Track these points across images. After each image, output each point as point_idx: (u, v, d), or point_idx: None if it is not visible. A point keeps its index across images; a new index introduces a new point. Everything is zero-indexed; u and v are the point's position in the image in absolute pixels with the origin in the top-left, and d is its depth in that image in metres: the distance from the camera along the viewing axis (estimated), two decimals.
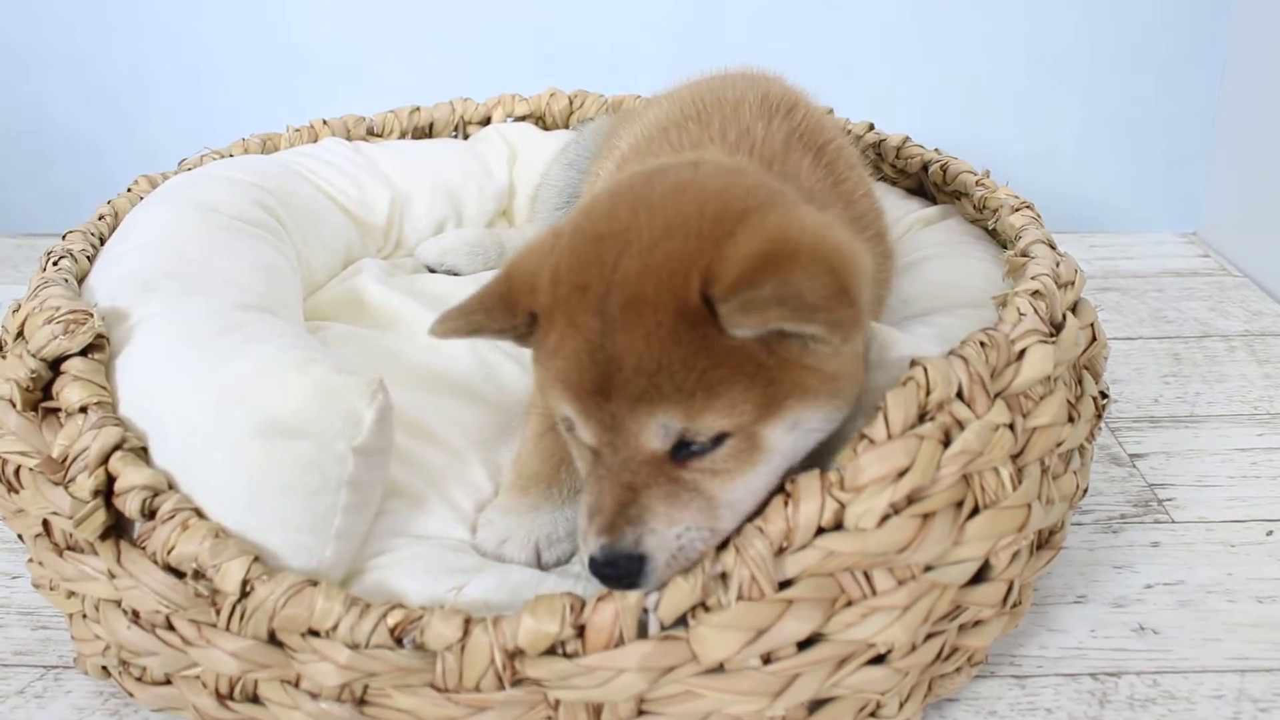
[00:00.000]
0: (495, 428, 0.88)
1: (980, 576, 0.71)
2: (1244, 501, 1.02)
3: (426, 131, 1.34)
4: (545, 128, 1.38)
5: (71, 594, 0.75)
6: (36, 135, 1.76)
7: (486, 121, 1.38)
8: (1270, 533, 0.97)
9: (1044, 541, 0.80)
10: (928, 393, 0.67)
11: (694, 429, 0.64)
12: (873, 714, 0.72)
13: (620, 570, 0.64)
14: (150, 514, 0.68)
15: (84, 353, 0.74)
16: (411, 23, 1.63)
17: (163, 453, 0.71)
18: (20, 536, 0.80)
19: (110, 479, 0.70)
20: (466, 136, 1.38)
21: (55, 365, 0.75)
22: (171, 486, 0.70)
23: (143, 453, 0.71)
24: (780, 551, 0.64)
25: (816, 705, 0.69)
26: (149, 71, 1.71)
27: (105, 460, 0.70)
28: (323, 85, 1.67)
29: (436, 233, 1.24)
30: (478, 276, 1.18)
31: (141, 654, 0.71)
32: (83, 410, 0.72)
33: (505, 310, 0.70)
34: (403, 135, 1.31)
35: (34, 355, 0.73)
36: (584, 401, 0.66)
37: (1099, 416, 0.83)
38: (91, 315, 0.75)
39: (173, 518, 0.68)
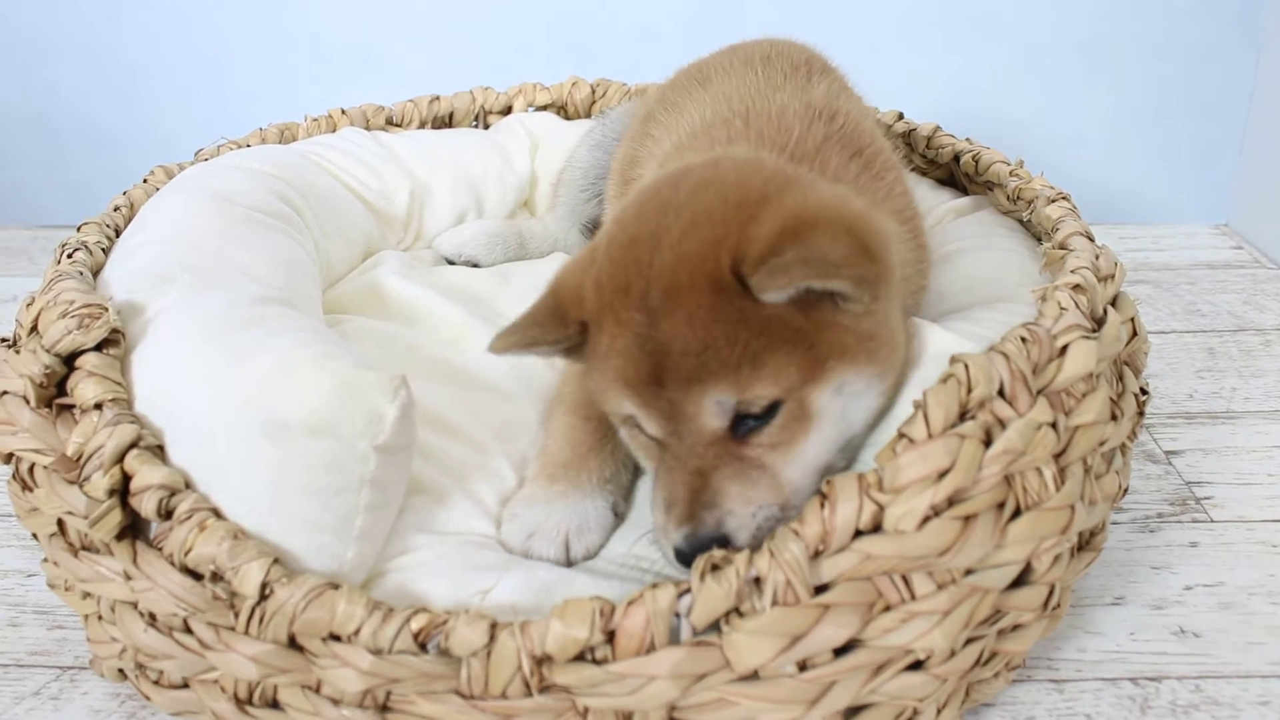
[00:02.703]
0: (518, 421, 0.86)
1: (1021, 580, 0.69)
2: None
3: (446, 121, 1.32)
4: (567, 117, 1.36)
5: (87, 595, 0.74)
6: (50, 125, 1.75)
7: (507, 111, 1.36)
8: None
9: (1084, 543, 0.77)
10: (969, 390, 0.65)
11: (746, 399, 0.66)
12: None
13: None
14: (167, 514, 0.67)
15: (99, 348, 0.73)
16: (429, 10, 1.61)
17: (179, 451, 0.69)
18: (35, 535, 0.78)
19: (126, 478, 0.68)
20: (487, 126, 1.35)
21: (69, 360, 0.73)
22: (189, 485, 0.69)
23: (159, 451, 0.70)
24: (816, 555, 0.62)
25: (853, 712, 0.67)
26: (164, 61, 1.69)
27: (121, 458, 0.68)
28: (339, 74, 1.65)
29: (457, 224, 1.22)
30: (499, 269, 1.17)
31: (158, 657, 0.69)
32: (98, 407, 0.70)
33: (557, 322, 0.73)
34: (422, 125, 1.29)
35: (48, 350, 0.71)
36: (641, 393, 0.68)
37: (1140, 414, 0.80)
38: (107, 309, 0.73)
39: (190, 518, 0.66)
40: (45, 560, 0.78)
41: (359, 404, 0.67)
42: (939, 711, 0.71)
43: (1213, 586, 0.89)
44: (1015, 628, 0.72)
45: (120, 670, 0.76)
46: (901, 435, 0.64)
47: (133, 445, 0.68)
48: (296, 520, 0.66)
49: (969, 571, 0.65)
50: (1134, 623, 0.85)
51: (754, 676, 0.62)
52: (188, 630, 0.68)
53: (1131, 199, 1.65)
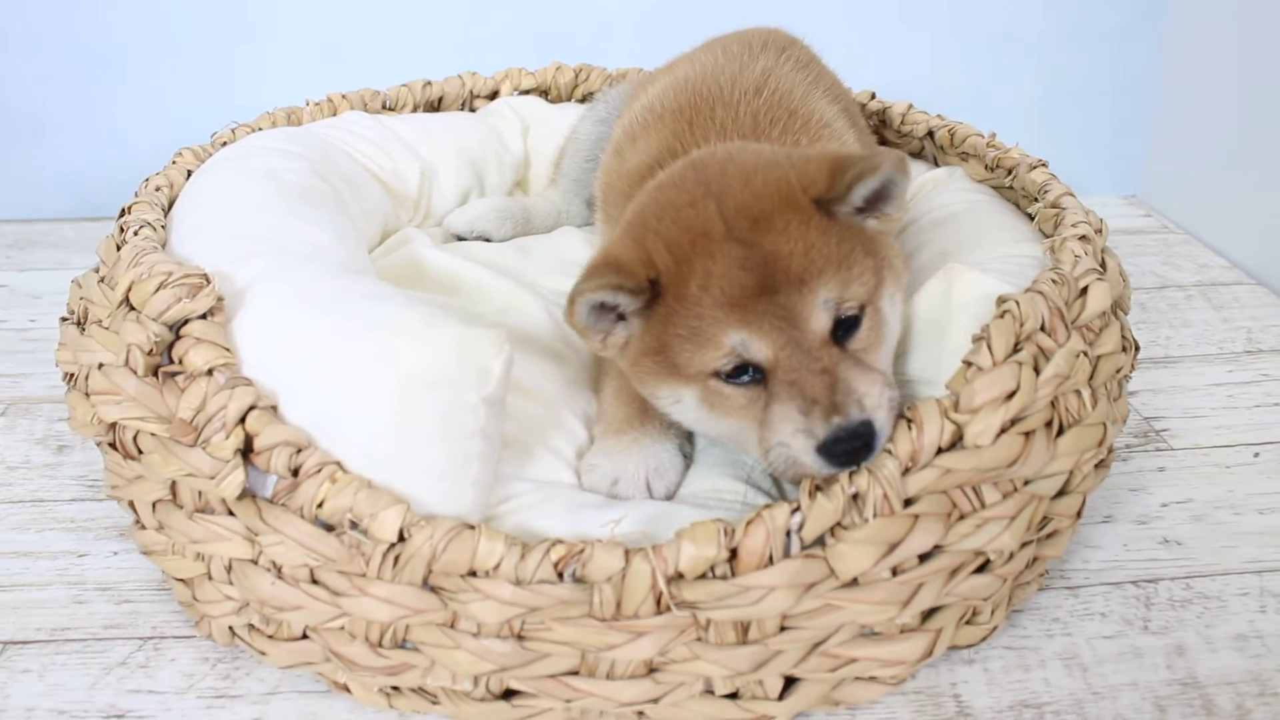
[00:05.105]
0: (576, 381, 0.92)
1: (1062, 490, 0.79)
2: (1229, 429, 1.13)
3: (436, 105, 1.35)
4: (550, 101, 1.41)
5: (199, 556, 0.76)
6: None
7: (493, 95, 1.40)
8: (1257, 454, 1.08)
9: (1101, 461, 0.88)
10: (1021, 324, 0.74)
11: (844, 298, 0.75)
12: (969, 621, 0.79)
13: (860, 441, 0.69)
14: (294, 470, 0.70)
15: (203, 316, 0.75)
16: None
17: (294, 410, 0.72)
18: (132, 505, 0.80)
19: (247, 438, 0.71)
20: (473, 110, 1.39)
21: (172, 330, 0.75)
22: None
23: (274, 411, 0.72)
24: (905, 472, 0.70)
25: (929, 614, 0.76)
26: (121, 48, 1.66)
27: (242, 420, 0.71)
28: (303, 64, 1.65)
29: (461, 203, 1.26)
30: (517, 243, 1.21)
31: (285, 609, 0.72)
32: (208, 373, 0.72)
33: (630, 274, 0.75)
34: (415, 109, 1.32)
35: (155, 319, 0.73)
36: (754, 307, 0.74)
37: (1138, 349, 0.91)
38: (209, 279, 0.75)
39: (319, 471, 0.69)
40: (142, 528, 0.79)
41: (470, 359, 0.72)
42: (993, 612, 0.80)
43: (1184, 503, 1.01)
44: (1052, 535, 0.82)
45: (230, 629, 0.78)
46: (969, 364, 0.73)
47: (252, 407, 0.71)
48: (421, 469, 0.70)
49: (1027, 481, 0.74)
50: (1125, 536, 0.97)
51: (854, 583, 0.70)
52: (313, 581, 0.71)
53: (1055, 173, 1.80)
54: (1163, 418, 1.16)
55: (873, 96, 1.30)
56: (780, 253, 0.74)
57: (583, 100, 1.41)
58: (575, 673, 0.70)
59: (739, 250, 0.74)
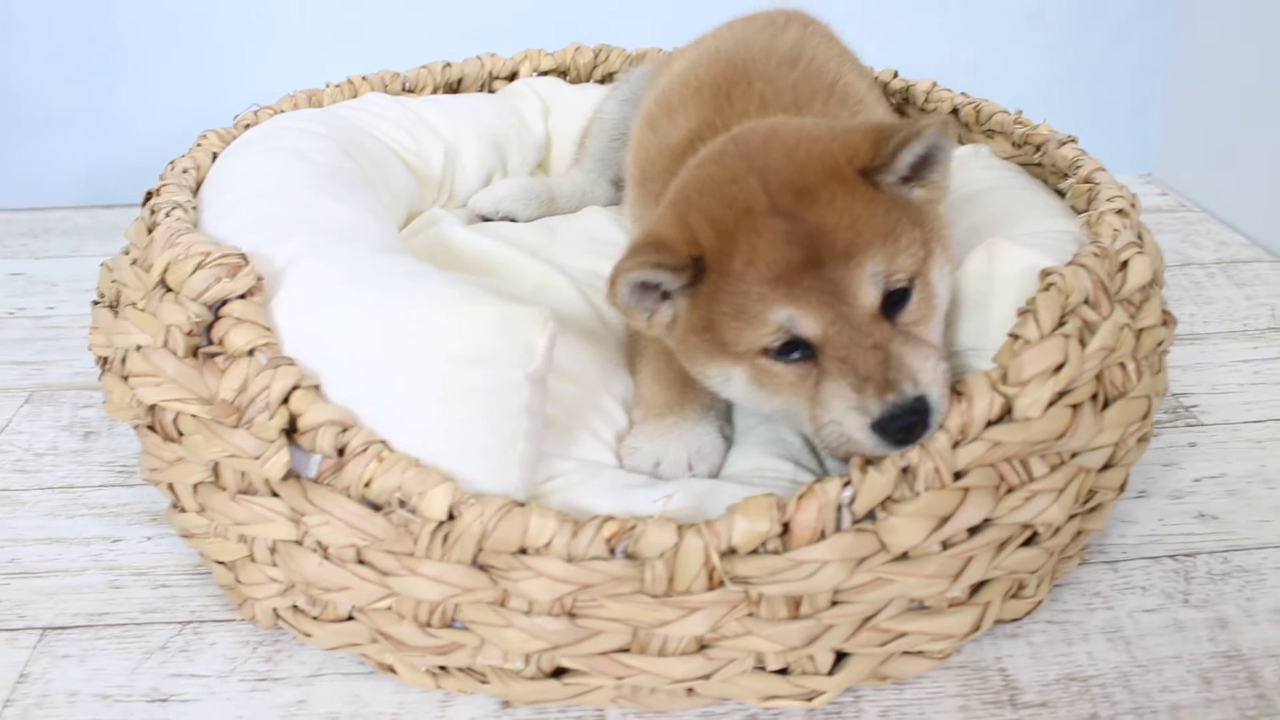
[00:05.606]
0: (613, 362, 0.91)
1: (1106, 463, 0.78)
2: (1258, 404, 1.13)
3: (455, 87, 1.34)
4: (569, 82, 1.40)
5: (242, 539, 0.75)
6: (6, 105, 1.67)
7: (513, 76, 1.39)
8: None
9: (1143, 435, 0.88)
10: (1066, 297, 0.74)
11: (892, 270, 0.74)
12: (1014, 595, 0.79)
13: (915, 417, 0.68)
14: (340, 449, 0.69)
15: (242, 296, 0.74)
16: None
17: (338, 390, 0.72)
18: (172, 488, 0.79)
19: (291, 418, 0.70)
20: (493, 91, 1.38)
21: (211, 310, 0.74)
22: None
23: (316, 390, 0.72)
24: (955, 445, 0.69)
25: (974, 589, 0.75)
26: (127, 33, 1.64)
27: (285, 400, 0.70)
28: (326, 46, 1.64)
29: (485, 184, 1.26)
30: (543, 223, 1.21)
31: (332, 590, 0.71)
32: (249, 353, 0.72)
33: (672, 252, 0.75)
34: (435, 90, 1.31)
35: (194, 300, 0.72)
36: (801, 281, 0.72)
37: (1175, 322, 0.91)
38: (247, 259, 0.75)
39: (365, 450, 0.69)
40: (181, 511, 0.79)
41: (515, 336, 0.71)
42: (1038, 586, 0.80)
43: (1217, 478, 1.01)
44: (1095, 508, 0.81)
45: (274, 612, 0.77)
46: (1015, 336, 0.72)
47: (295, 387, 0.70)
48: (468, 447, 0.70)
49: (1074, 454, 0.74)
50: (1160, 511, 0.96)
51: (904, 557, 0.70)
52: (360, 561, 0.71)
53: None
54: (1191, 394, 1.15)
55: (895, 75, 1.29)
56: (825, 226, 0.73)
57: (602, 81, 1.41)
58: (626, 650, 0.70)
59: (783, 225, 0.74)
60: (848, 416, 0.70)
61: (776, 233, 0.73)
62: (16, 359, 1.25)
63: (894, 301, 0.75)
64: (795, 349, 0.74)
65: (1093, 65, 1.76)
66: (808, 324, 0.73)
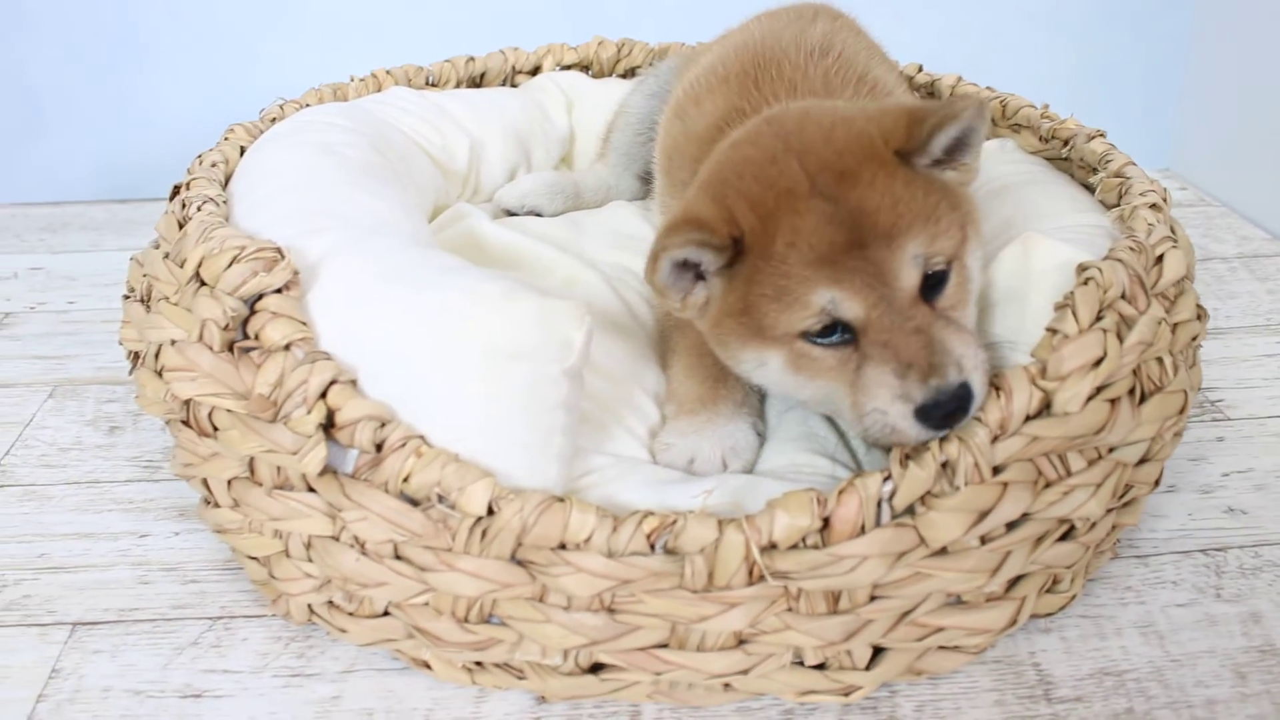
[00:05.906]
0: (644, 357, 0.91)
1: (1142, 458, 0.78)
2: None
3: (478, 81, 1.34)
4: (592, 76, 1.40)
5: (277, 534, 0.75)
6: (26, 98, 1.67)
7: (535, 70, 1.39)
8: None
9: (1178, 430, 0.87)
10: (1104, 291, 0.73)
11: (932, 252, 0.74)
12: (1049, 590, 0.79)
13: (958, 403, 0.68)
14: (378, 445, 0.69)
15: (278, 290, 0.74)
16: None
17: (375, 385, 0.71)
18: (206, 483, 0.79)
19: (329, 413, 0.70)
20: (515, 85, 1.38)
21: (246, 304, 0.74)
22: None
23: (354, 385, 0.72)
24: (994, 440, 0.69)
25: (1011, 584, 0.75)
26: (149, 30, 1.64)
27: (323, 394, 0.70)
28: (345, 41, 1.64)
29: (509, 178, 1.26)
30: (569, 217, 1.20)
31: (369, 585, 0.71)
32: (286, 348, 0.72)
33: (714, 230, 0.74)
34: (459, 84, 1.30)
35: (231, 294, 0.72)
36: (843, 263, 0.72)
37: (1207, 317, 0.91)
38: (283, 253, 0.74)
39: (404, 445, 0.69)
40: (214, 507, 0.79)
41: (553, 331, 0.71)
42: (1073, 580, 0.80)
43: (1245, 472, 1.01)
44: (1129, 503, 0.81)
45: (309, 607, 0.77)
46: (1054, 331, 0.72)
47: (333, 382, 0.70)
48: (507, 442, 0.70)
49: (1112, 449, 0.74)
50: (1190, 505, 0.96)
51: (943, 552, 0.69)
52: (397, 557, 0.70)
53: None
54: (1217, 388, 1.15)
55: (920, 69, 1.29)
56: (867, 207, 0.73)
57: (625, 75, 1.40)
58: (665, 645, 0.70)
59: (825, 206, 0.73)
60: (893, 406, 0.70)
61: (819, 214, 0.73)
62: (39, 354, 1.25)
63: (931, 285, 0.74)
64: (835, 331, 0.73)
65: (1111, 59, 1.76)
66: (850, 306, 0.72)
